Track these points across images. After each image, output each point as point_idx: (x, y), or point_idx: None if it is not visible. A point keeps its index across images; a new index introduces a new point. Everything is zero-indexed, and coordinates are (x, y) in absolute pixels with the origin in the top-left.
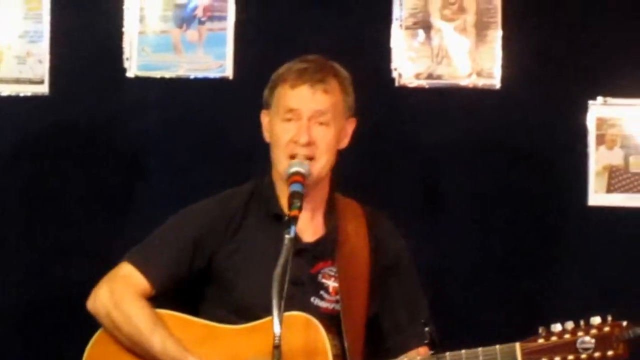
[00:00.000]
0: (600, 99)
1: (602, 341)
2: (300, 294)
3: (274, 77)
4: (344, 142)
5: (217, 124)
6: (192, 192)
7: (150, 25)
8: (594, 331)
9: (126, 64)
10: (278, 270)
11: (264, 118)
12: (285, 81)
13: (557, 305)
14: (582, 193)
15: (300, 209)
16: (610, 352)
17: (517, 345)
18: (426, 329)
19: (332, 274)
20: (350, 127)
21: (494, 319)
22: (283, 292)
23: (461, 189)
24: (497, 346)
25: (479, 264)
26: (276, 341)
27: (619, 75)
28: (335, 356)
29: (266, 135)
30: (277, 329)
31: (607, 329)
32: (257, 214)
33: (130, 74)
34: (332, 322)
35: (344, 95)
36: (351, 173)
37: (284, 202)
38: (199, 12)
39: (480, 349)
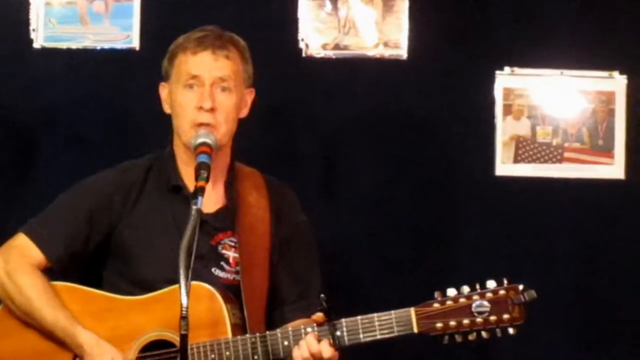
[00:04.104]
0: (507, 69)
1: (498, 305)
2: (200, 265)
3: (172, 48)
4: (244, 112)
5: (123, 95)
6: (98, 165)
7: None
8: (489, 295)
9: (32, 35)
10: (185, 242)
11: (163, 90)
12: (186, 49)
13: (463, 276)
14: (489, 163)
15: (207, 180)
16: (506, 316)
17: (412, 310)
18: (322, 295)
19: (233, 244)
20: (249, 97)
21: (398, 291)
22: (190, 264)
23: (367, 159)
24: (393, 312)
25: (384, 235)
26: (183, 312)
27: (526, 46)
28: (234, 325)
29: (166, 107)
30: (184, 300)
31: (502, 292)
32: (157, 186)
33: (36, 45)
34: (233, 292)
35: (244, 64)
36: (256, 144)
37: (184, 173)
38: None
39: (375, 315)
